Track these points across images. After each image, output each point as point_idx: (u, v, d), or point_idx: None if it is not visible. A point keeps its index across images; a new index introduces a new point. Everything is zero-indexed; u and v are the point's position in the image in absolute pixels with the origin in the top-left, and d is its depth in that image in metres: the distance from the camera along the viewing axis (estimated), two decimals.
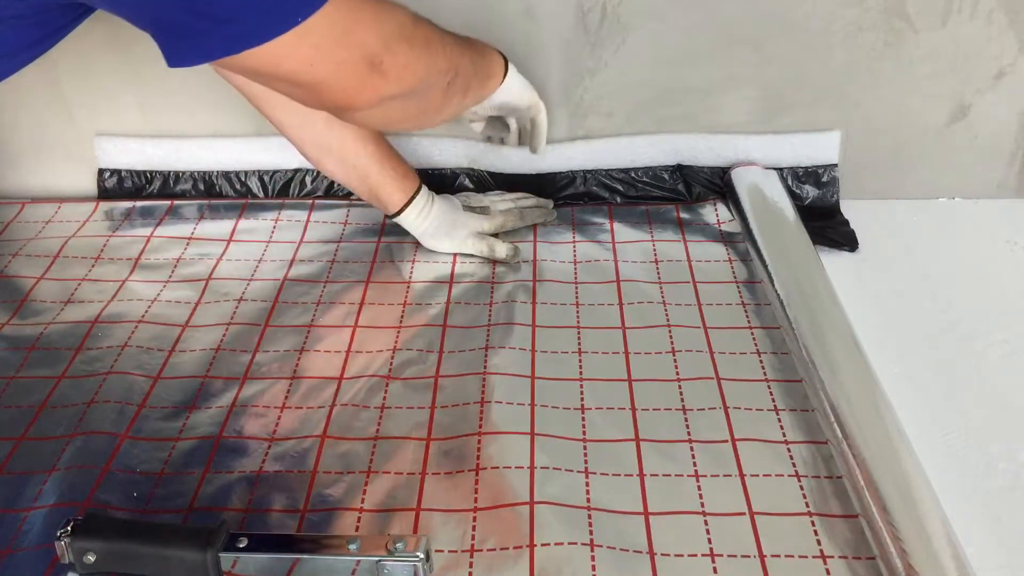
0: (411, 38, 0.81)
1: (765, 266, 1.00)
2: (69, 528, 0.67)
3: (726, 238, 1.09)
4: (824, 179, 1.15)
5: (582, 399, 0.86)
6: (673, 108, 1.15)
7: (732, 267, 1.04)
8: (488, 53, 0.97)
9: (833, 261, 1.04)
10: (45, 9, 0.74)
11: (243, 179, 1.21)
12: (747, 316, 0.96)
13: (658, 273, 1.03)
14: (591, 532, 0.72)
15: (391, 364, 0.91)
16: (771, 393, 0.86)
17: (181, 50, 0.70)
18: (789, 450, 0.80)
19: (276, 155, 1.19)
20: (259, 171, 1.21)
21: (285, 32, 0.70)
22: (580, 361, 0.91)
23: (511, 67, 1.00)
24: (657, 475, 0.78)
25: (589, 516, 0.74)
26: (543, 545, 0.71)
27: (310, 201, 1.18)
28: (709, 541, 0.72)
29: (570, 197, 1.18)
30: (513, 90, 1.01)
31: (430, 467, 0.79)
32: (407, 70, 0.81)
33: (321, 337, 0.96)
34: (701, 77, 1.13)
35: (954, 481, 0.77)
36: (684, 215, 1.14)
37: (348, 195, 1.17)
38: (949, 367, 0.91)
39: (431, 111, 0.92)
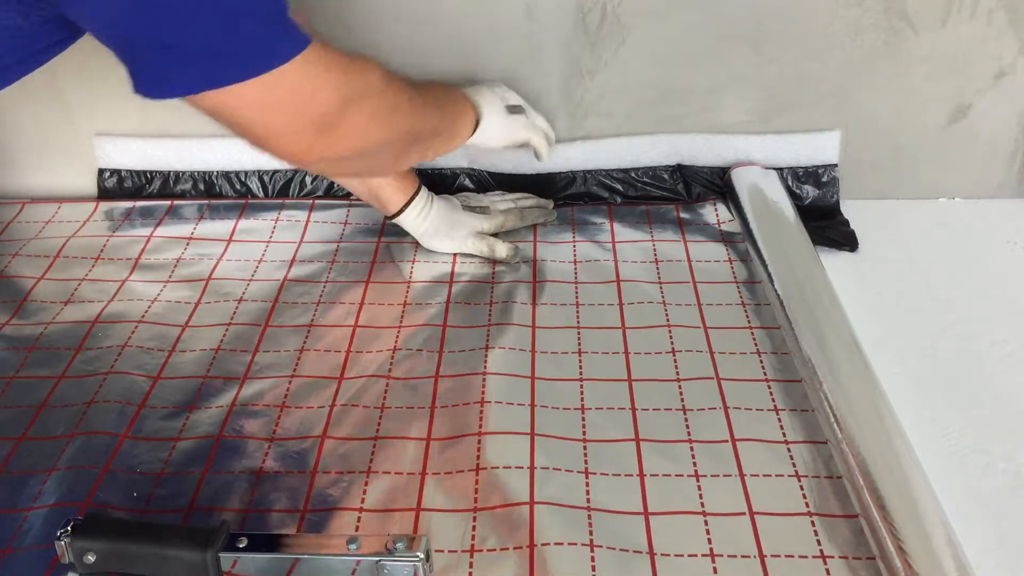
0: (375, 105, 0.83)
1: (765, 266, 1.00)
2: (69, 528, 0.67)
3: (726, 238, 1.09)
4: (824, 179, 1.15)
5: (582, 399, 0.86)
6: (673, 108, 1.15)
7: (732, 267, 1.04)
8: (459, 112, 0.99)
9: (833, 261, 1.04)
10: (40, 23, 0.75)
11: (243, 179, 1.21)
12: (747, 316, 0.96)
13: (658, 273, 1.03)
14: (591, 532, 0.72)
15: (391, 364, 0.91)
16: (771, 393, 0.86)
17: (146, 80, 0.73)
18: (789, 450, 0.80)
19: None
20: (259, 171, 1.21)
21: (247, 80, 0.72)
22: (580, 361, 0.91)
23: (488, 118, 1.02)
24: (657, 475, 0.78)
25: (589, 516, 0.74)
26: (543, 545, 0.71)
27: (310, 201, 1.18)
28: (709, 541, 0.72)
29: (570, 197, 1.18)
30: (492, 139, 1.04)
31: (430, 467, 0.79)
32: (360, 135, 0.82)
33: (321, 337, 0.96)
34: (701, 77, 1.13)
35: (954, 481, 0.77)
36: (684, 215, 1.14)
37: (348, 195, 1.17)
38: (949, 367, 0.91)
39: (384, 168, 0.97)
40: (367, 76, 0.82)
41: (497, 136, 1.05)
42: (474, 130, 1.03)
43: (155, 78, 0.72)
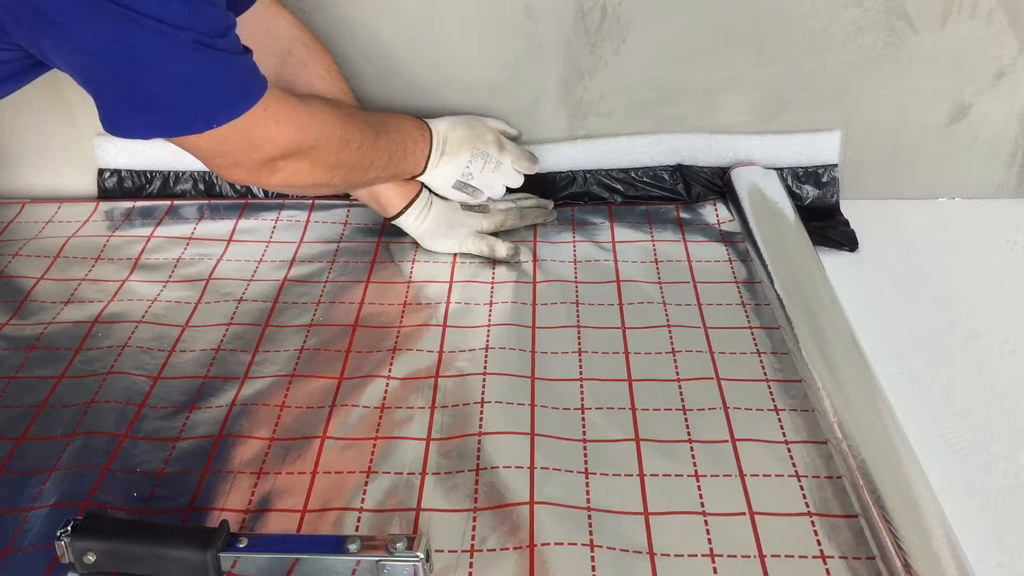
0: (319, 157, 0.89)
1: (765, 266, 1.00)
2: (69, 528, 0.68)
3: (726, 238, 1.09)
4: (824, 179, 1.15)
5: (582, 399, 0.86)
6: (673, 108, 1.15)
7: (732, 267, 1.04)
8: (407, 163, 1.01)
9: (833, 261, 1.04)
10: (21, 56, 0.80)
11: None
12: (747, 316, 0.96)
13: (658, 273, 1.03)
14: (591, 532, 0.73)
15: (392, 364, 0.91)
16: (771, 393, 0.86)
17: (107, 120, 0.79)
18: (789, 450, 0.80)
19: None
20: None
21: (199, 133, 0.80)
22: (580, 361, 0.91)
23: (435, 160, 1.03)
24: (657, 475, 0.78)
25: (589, 516, 0.74)
26: (543, 545, 0.71)
27: (310, 201, 1.18)
28: (709, 541, 0.72)
29: (570, 197, 1.18)
30: (442, 177, 1.05)
31: (430, 467, 0.79)
32: (296, 178, 0.89)
33: (321, 337, 0.96)
34: (701, 77, 1.13)
35: (954, 481, 0.77)
36: (684, 215, 1.14)
37: (348, 195, 1.17)
38: (949, 367, 0.91)
39: (319, 192, 1.06)
40: (319, 128, 0.88)
41: (449, 176, 1.05)
42: (421, 172, 1.04)
43: (115, 120, 0.79)
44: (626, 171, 1.17)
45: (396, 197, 1.05)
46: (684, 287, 1.01)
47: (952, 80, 1.11)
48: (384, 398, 0.87)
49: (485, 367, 0.90)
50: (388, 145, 0.98)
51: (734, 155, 1.16)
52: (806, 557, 0.71)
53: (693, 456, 0.80)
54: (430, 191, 1.07)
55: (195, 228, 1.14)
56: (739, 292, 1.00)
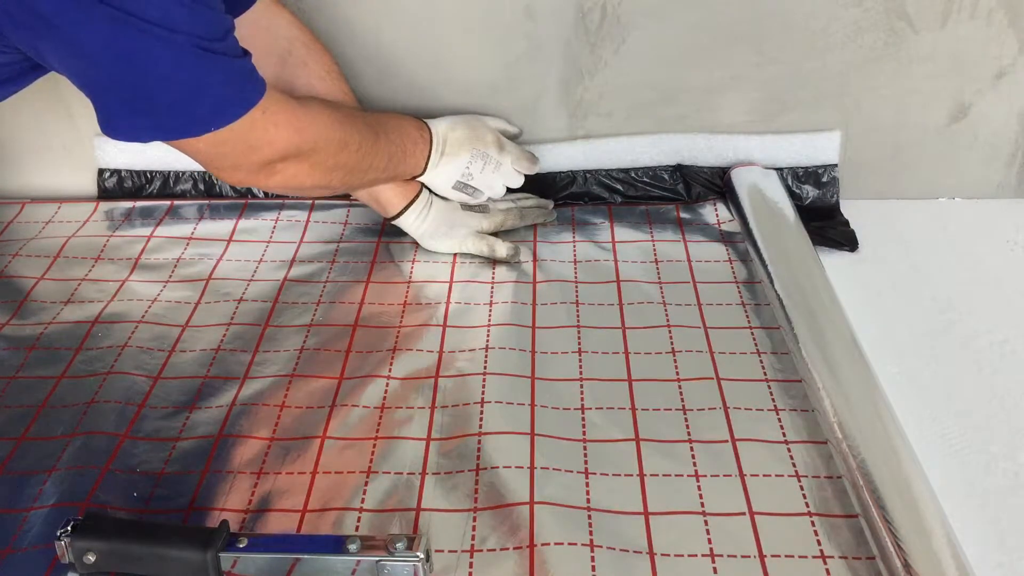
0: (317, 160, 0.89)
1: (765, 266, 1.00)
2: (69, 528, 0.68)
3: (726, 238, 1.09)
4: (824, 179, 1.15)
5: (582, 399, 0.86)
6: (673, 108, 1.15)
7: (732, 267, 1.04)
8: (407, 164, 1.01)
9: (833, 261, 1.05)
10: (20, 58, 0.80)
11: None
12: (747, 316, 0.96)
13: (658, 273, 1.03)
14: (591, 532, 0.73)
15: (392, 364, 0.91)
16: (771, 393, 0.86)
17: (104, 122, 0.79)
18: (789, 450, 0.80)
19: None
20: None
21: (197, 136, 0.80)
22: (580, 361, 0.91)
23: (435, 161, 1.03)
24: (657, 475, 0.78)
25: (589, 516, 0.74)
26: (543, 545, 0.71)
27: (310, 201, 1.18)
28: (709, 541, 0.72)
29: (570, 197, 1.18)
30: (442, 177, 1.05)
31: (430, 467, 0.79)
32: (295, 180, 0.89)
33: (321, 337, 0.96)
34: (701, 77, 1.13)
35: (954, 481, 0.77)
36: (684, 215, 1.14)
37: (348, 195, 1.17)
38: (949, 367, 0.91)
39: (318, 193, 1.07)
40: (318, 131, 0.88)
41: (449, 177, 1.05)
42: (422, 172, 1.04)
43: (113, 123, 0.79)
44: (626, 171, 1.17)
45: (396, 197, 1.05)
46: (684, 287, 1.01)
47: (952, 80, 1.11)
48: (384, 398, 0.87)
49: (485, 367, 0.90)
50: (387, 147, 0.98)
51: (734, 155, 1.16)
52: (806, 557, 0.71)
53: (693, 456, 0.80)
54: (430, 191, 1.07)
55: (195, 228, 1.14)
56: (739, 292, 1.00)
